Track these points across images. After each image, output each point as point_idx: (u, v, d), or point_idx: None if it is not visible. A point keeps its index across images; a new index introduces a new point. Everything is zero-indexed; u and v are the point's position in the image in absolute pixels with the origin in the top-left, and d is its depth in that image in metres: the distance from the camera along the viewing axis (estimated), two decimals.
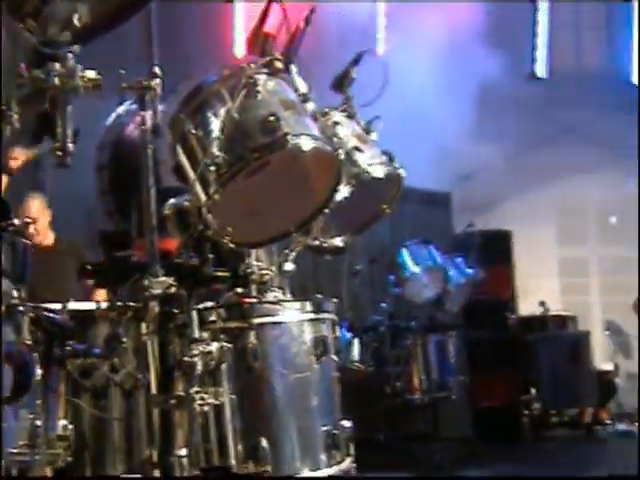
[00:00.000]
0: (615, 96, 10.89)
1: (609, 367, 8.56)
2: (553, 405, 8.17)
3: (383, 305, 6.68)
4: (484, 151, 9.71)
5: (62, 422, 2.58)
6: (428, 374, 6.50)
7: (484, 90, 9.54)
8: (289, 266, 3.14)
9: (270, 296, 3.01)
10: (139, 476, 2.62)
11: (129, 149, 3.08)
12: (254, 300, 2.82)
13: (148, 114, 2.67)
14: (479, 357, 7.69)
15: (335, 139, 2.82)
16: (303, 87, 2.82)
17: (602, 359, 9.41)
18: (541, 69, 10.67)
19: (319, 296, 2.92)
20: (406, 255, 6.44)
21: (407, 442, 6.68)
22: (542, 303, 8.72)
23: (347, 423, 2.90)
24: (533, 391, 8.22)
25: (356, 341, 6.40)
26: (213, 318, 2.67)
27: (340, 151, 2.63)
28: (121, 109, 3.31)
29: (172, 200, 2.78)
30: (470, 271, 6.93)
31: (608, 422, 8.23)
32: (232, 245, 2.67)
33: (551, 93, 10.69)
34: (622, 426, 8.11)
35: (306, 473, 2.71)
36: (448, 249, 7.23)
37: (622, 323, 10.54)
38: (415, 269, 6.37)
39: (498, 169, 9.91)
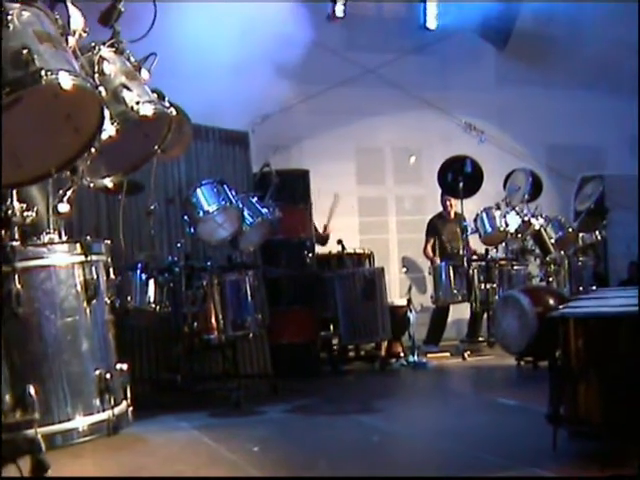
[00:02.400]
0: (411, 40, 11.22)
1: (403, 302, 8.88)
2: (350, 340, 8.41)
3: (178, 245, 6.62)
4: (283, 91, 9.75)
5: None
6: (225, 313, 6.50)
7: (285, 30, 9.52)
8: (64, 207, 3.04)
9: (44, 238, 2.91)
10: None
11: None
12: (17, 243, 2.72)
13: None
14: (278, 295, 7.80)
15: (100, 76, 2.71)
16: (78, 21, 2.69)
17: (399, 294, 9.77)
18: (340, 10, 10.76)
19: (89, 238, 2.85)
20: (201, 195, 6.37)
21: (206, 381, 6.71)
22: (339, 241, 8.94)
23: (123, 366, 2.87)
24: (331, 327, 8.45)
25: (151, 282, 6.33)
26: None
27: (101, 89, 2.53)
28: None
29: None
30: (267, 210, 6.96)
31: (401, 354, 8.58)
32: None
33: (350, 35, 10.85)
34: (414, 358, 8.47)
35: (78, 418, 2.67)
36: (247, 189, 7.23)
37: (417, 260, 11.00)
38: (210, 209, 6.31)
39: (297, 109, 10.00)
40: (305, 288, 8.16)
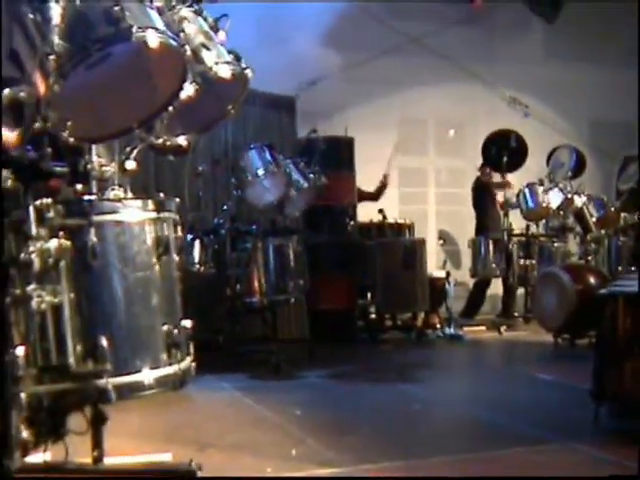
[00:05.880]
0: (458, 10, 11.08)
1: (441, 274, 8.89)
2: (388, 309, 8.45)
3: (225, 208, 6.66)
4: (329, 58, 9.73)
5: None
6: (268, 277, 6.54)
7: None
8: (131, 164, 3.08)
9: (111, 194, 2.95)
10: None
11: None
12: (94, 197, 2.76)
13: None
14: (318, 262, 7.81)
15: (182, 35, 2.73)
16: None
17: (435, 266, 9.77)
18: None
19: (161, 195, 2.88)
20: (249, 158, 6.39)
21: (246, 344, 6.77)
22: (380, 210, 8.95)
23: (188, 323, 2.91)
24: (369, 295, 8.49)
25: (197, 243, 6.39)
26: (51, 214, 2.59)
27: (186, 47, 2.56)
28: None
29: (7, 90, 2.64)
30: (312, 176, 6.97)
31: (438, 326, 8.61)
32: (72, 139, 2.58)
33: (396, 3, 10.75)
34: (450, 330, 8.50)
35: (146, 371, 2.72)
36: (291, 154, 7.24)
37: (454, 233, 11.00)
38: (257, 172, 6.32)
39: (341, 77, 9.96)
40: (345, 255, 8.19)
